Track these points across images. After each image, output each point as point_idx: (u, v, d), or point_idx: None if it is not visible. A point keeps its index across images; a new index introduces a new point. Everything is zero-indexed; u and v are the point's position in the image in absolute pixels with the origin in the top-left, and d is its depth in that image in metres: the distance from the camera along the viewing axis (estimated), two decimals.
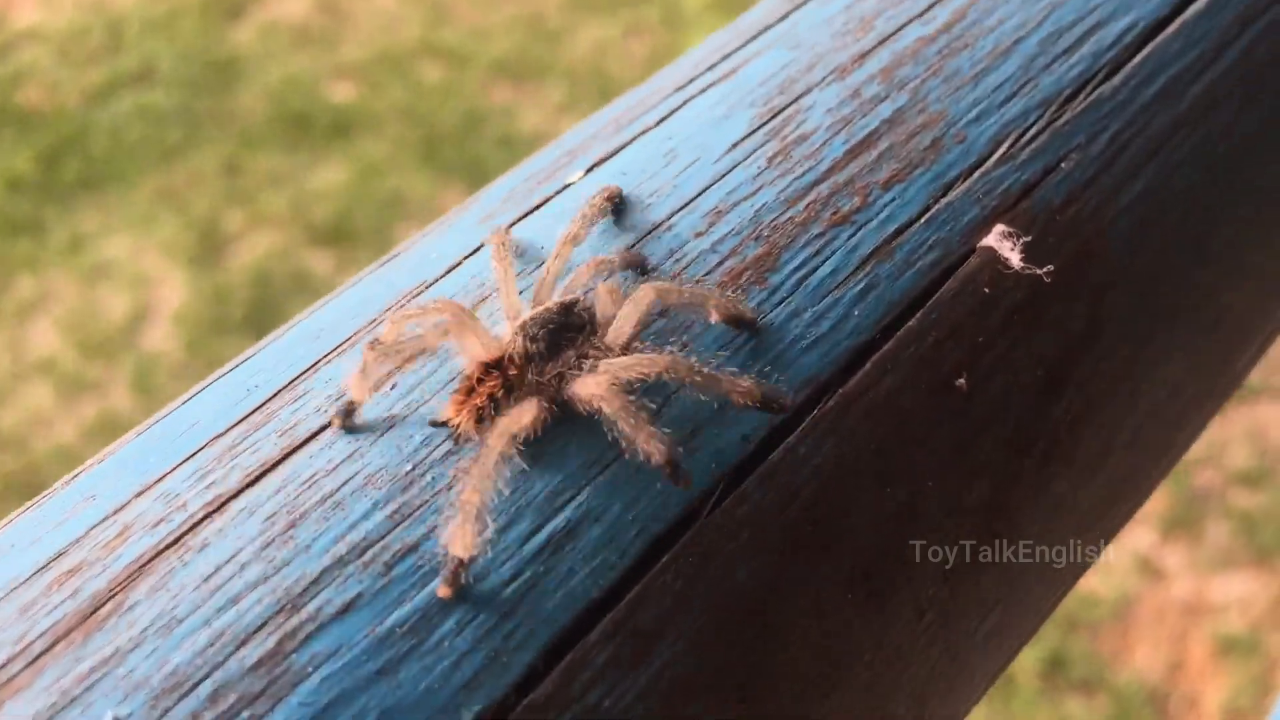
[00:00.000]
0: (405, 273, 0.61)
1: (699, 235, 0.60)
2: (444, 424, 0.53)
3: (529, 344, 0.55)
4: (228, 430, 0.53)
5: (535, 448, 0.52)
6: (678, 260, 0.59)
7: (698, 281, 0.59)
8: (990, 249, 0.62)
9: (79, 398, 2.66)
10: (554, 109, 3.01)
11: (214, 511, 0.50)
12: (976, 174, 0.64)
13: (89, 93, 3.03)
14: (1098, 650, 2.22)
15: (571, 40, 3.17)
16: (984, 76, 0.68)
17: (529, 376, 0.55)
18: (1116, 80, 0.69)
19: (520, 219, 0.63)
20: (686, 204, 0.61)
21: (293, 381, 0.55)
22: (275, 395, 0.55)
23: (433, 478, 0.51)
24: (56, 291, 2.84)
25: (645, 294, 0.56)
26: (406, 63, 3.12)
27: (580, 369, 0.55)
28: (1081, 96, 0.68)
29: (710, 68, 0.70)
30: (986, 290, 0.61)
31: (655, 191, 0.62)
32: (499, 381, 0.54)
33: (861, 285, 0.59)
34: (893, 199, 0.62)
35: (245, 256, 2.88)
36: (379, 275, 0.62)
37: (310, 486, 0.50)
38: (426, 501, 0.50)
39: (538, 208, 0.64)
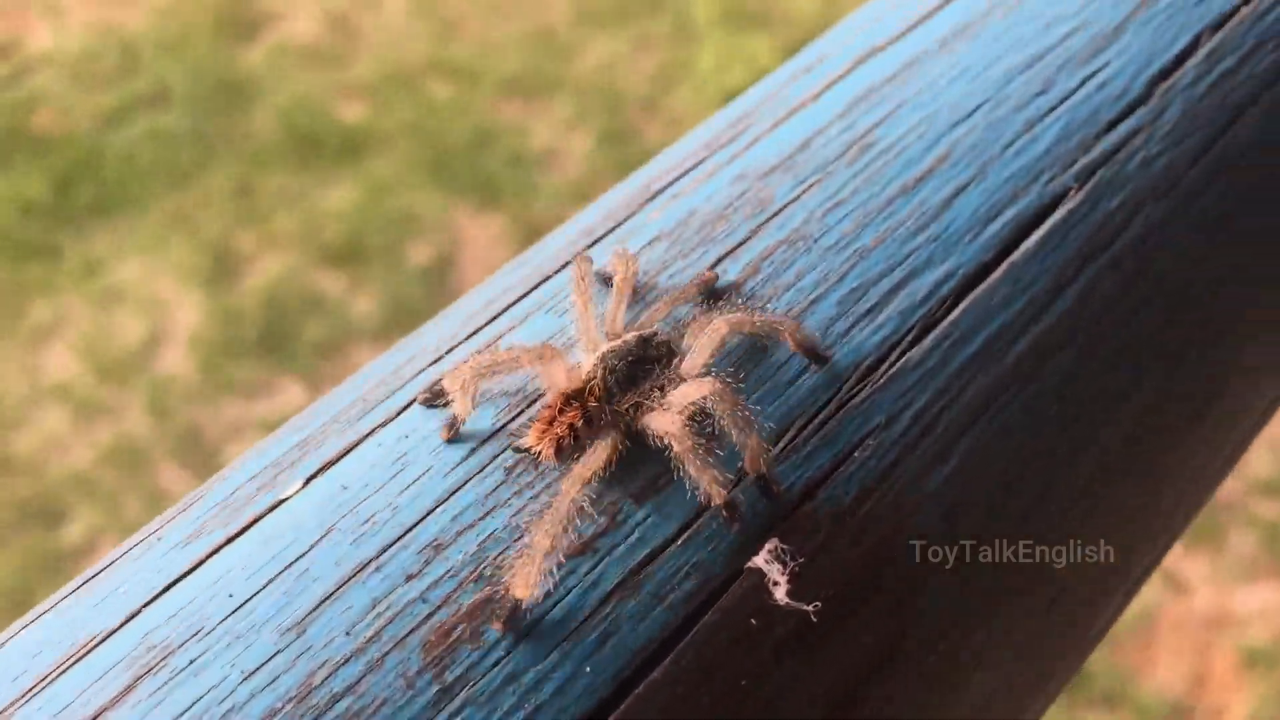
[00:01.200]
0: (84, 616, 0.53)
1: (410, 579, 0.52)
2: (526, 450, 0.55)
3: (608, 376, 0.58)
4: None
5: None
6: (379, 614, 0.52)
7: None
8: (759, 570, 0.54)
9: (94, 422, 2.68)
10: (563, 125, 2.95)
11: None
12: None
13: (101, 116, 3.02)
14: (1120, 664, 2.19)
15: (581, 55, 3.11)
16: (773, 349, 0.60)
17: (606, 408, 0.57)
18: (927, 343, 0.61)
19: (227, 542, 0.55)
20: (400, 537, 0.53)
21: None
22: None
23: None
24: (71, 315, 2.86)
25: (718, 327, 0.58)
26: (416, 81, 3.07)
27: (656, 400, 0.57)
28: (884, 366, 0.60)
29: (467, 338, 0.63)
30: (753, 621, 0.53)
31: (372, 516, 0.54)
32: (579, 412, 0.56)
33: (599, 632, 0.51)
34: (646, 516, 0.54)
35: (258, 278, 2.89)
36: (56, 615, 0.54)
37: None
38: None
39: (246, 529, 0.56)
